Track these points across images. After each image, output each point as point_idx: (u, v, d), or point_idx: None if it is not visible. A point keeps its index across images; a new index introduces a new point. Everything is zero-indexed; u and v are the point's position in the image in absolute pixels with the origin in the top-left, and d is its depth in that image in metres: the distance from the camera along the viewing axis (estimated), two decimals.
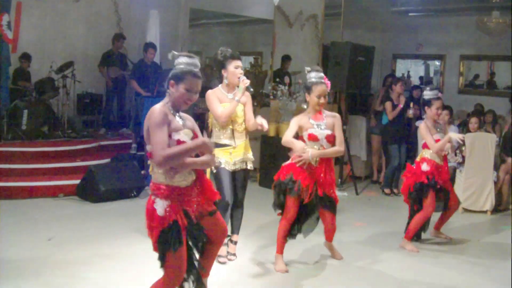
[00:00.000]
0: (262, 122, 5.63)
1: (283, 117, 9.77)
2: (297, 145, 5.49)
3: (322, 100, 5.58)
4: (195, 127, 4.10)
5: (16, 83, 10.13)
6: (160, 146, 3.69)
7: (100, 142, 10.29)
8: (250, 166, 5.90)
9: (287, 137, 5.57)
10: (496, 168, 8.87)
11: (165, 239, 3.77)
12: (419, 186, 6.57)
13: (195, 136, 3.98)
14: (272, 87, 10.12)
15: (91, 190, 8.14)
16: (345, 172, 10.04)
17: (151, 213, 3.82)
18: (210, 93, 5.74)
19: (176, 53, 4.09)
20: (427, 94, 6.83)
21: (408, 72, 15.59)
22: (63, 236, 6.50)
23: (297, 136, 5.68)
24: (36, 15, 11.13)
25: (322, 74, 5.66)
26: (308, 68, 5.72)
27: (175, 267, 3.85)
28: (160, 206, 3.80)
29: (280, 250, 5.75)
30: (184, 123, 3.96)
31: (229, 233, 5.66)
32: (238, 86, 5.69)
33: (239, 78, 5.66)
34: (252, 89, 5.81)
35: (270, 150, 9.89)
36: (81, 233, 6.63)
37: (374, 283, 5.61)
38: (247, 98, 5.79)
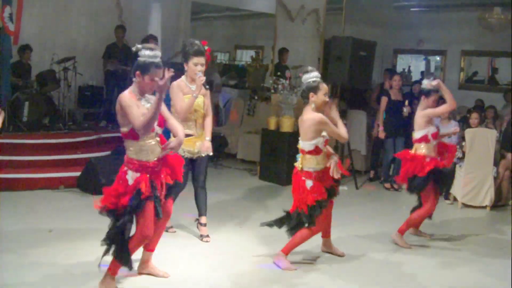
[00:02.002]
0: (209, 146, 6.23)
1: (283, 111, 9.79)
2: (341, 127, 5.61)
3: (327, 99, 5.59)
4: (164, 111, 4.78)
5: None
6: (136, 118, 4.46)
7: (100, 135, 10.28)
8: (210, 153, 6.32)
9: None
10: (496, 163, 8.88)
11: (135, 202, 4.58)
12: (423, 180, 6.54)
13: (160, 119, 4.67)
14: (273, 81, 10.12)
15: (91, 182, 8.14)
16: (345, 167, 10.05)
17: (120, 179, 4.67)
18: (175, 85, 6.09)
19: (139, 46, 4.66)
20: (427, 84, 6.74)
21: (409, 67, 15.58)
22: (63, 228, 6.52)
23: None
24: (37, 7, 11.10)
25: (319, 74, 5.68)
26: (310, 68, 5.71)
27: (145, 225, 4.67)
28: (131, 177, 4.64)
29: (288, 253, 5.74)
30: (149, 106, 4.55)
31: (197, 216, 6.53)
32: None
33: (196, 74, 6.00)
34: (207, 86, 6.12)
35: (270, 144, 9.91)
36: (82, 225, 6.64)
37: (373, 278, 5.64)
38: (206, 91, 6.20)
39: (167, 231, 6.41)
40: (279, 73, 10.14)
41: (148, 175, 4.65)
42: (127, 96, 4.57)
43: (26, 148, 9.00)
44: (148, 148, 4.67)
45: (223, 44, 19.30)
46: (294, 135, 9.61)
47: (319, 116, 5.46)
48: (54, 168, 8.74)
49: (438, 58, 14.81)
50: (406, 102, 9.49)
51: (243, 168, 10.97)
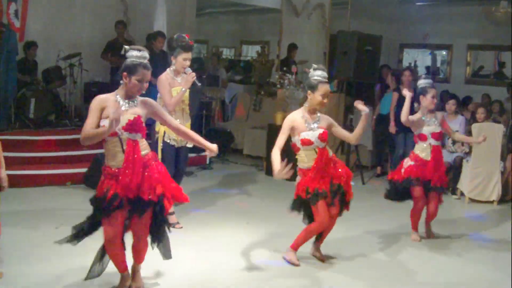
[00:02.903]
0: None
1: (290, 106, 9.76)
2: (275, 167, 5.24)
3: (325, 100, 5.54)
4: (154, 110, 4.65)
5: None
6: (84, 127, 4.36)
7: None
8: (190, 144, 6.46)
9: (274, 150, 5.45)
10: (503, 158, 8.85)
11: (97, 204, 4.59)
12: (397, 184, 6.65)
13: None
14: (279, 76, 10.11)
15: (98, 179, 8.10)
16: (351, 162, 10.03)
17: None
18: (163, 78, 6.27)
19: (127, 47, 4.59)
20: (421, 82, 6.72)
21: (415, 62, 15.52)
22: (70, 224, 6.50)
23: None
24: (43, 4, 11.11)
25: (326, 74, 5.63)
26: (315, 66, 5.69)
27: (106, 230, 4.58)
28: (101, 180, 4.58)
29: (297, 248, 5.73)
30: (130, 108, 4.46)
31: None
32: (184, 73, 6.38)
33: (184, 68, 6.32)
34: (199, 84, 6.32)
35: (276, 139, 9.86)
36: None
37: (378, 273, 5.63)
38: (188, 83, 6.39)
39: (173, 227, 6.46)
40: (285, 68, 10.12)
41: (109, 182, 4.50)
42: (96, 99, 4.47)
43: (32, 145, 9.02)
44: (109, 153, 4.51)
45: (228, 39, 19.29)
46: None
47: (287, 119, 5.62)
48: (60, 164, 8.78)
49: (444, 52, 14.75)
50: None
51: (249, 163, 10.97)
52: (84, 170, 8.46)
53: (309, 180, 5.54)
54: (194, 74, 6.21)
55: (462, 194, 8.91)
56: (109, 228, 4.54)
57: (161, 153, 6.42)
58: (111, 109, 4.36)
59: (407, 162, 6.67)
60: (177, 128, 4.84)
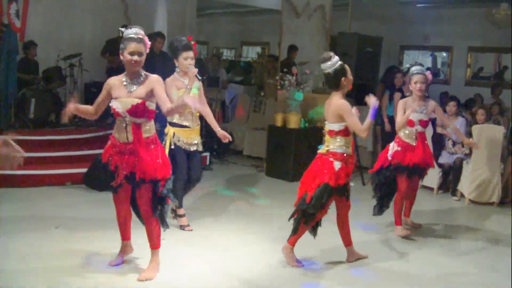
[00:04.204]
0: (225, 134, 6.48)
1: (290, 107, 9.77)
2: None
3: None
4: (152, 87, 4.75)
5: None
6: (96, 102, 4.90)
7: (107, 131, 10.21)
8: (200, 148, 6.55)
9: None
10: (503, 160, 8.85)
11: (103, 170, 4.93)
12: (383, 171, 6.79)
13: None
14: (279, 77, 10.10)
15: (98, 179, 8.14)
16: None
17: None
18: (168, 81, 6.19)
19: (122, 29, 4.88)
20: (411, 69, 6.92)
21: (416, 63, 15.50)
22: (70, 224, 6.53)
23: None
24: (43, 4, 11.12)
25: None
26: (328, 53, 5.65)
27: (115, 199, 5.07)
28: (107, 144, 4.94)
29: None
30: (133, 90, 4.71)
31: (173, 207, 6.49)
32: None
33: (187, 67, 6.13)
34: (200, 77, 6.11)
35: (277, 140, 9.90)
36: (88, 221, 6.66)
37: (378, 274, 5.63)
38: (199, 83, 6.35)
39: (183, 229, 6.55)
40: (285, 69, 10.11)
41: (111, 150, 4.88)
42: (107, 81, 4.88)
43: (32, 145, 8.99)
44: (117, 127, 4.83)
45: (229, 40, 19.30)
46: (301, 132, 9.66)
47: (347, 104, 5.49)
48: (60, 164, 8.76)
49: (444, 54, 14.76)
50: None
51: (249, 164, 10.97)
52: (84, 170, 8.43)
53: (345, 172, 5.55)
54: (195, 69, 6.07)
55: (462, 195, 8.91)
56: (116, 193, 5.03)
57: (169, 155, 6.17)
58: (117, 90, 4.72)
59: (393, 147, 6.76)
60: (168, 111, 4.82)
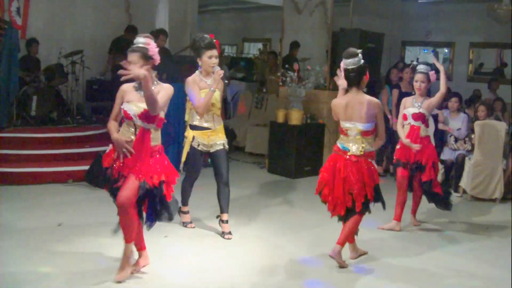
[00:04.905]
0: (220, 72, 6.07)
1: (292, 104, 9.76)
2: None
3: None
4: (158, 90, 4.69)
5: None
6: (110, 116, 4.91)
7: None
8: (226, 146, 6.27)
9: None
10: (506, 156, 8.83)
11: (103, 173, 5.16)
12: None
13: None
14: (281, 73, 10.09)
15: (99, 177, 8.13)
16: None
17: None
18: (190, 80, 6.04)
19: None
20: (418, 67, 6.98)
21: (417, 59, 15.48)
22: (72, 222, 6.53)
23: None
24: (44, 1, 11.13)
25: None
26: (353, 49, 5.52)
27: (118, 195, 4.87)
28: (110, 148, 5.00)
29: (344, 244, 5.66)
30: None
31: (218, 213, 6.37)
32: (213, 73, 6.04)
33: (212, 67, 6.00)
34: (227, 81, 6.09)
35: (278, 136, 9.89)
36: (91, 218, 6.66)
37: (379, 269, 5.62)
38: (221, 84, 6.17)
39: (186, 226, 6.54)
40: (287, 66, 10.10)
41: (115, 153, 4.89)
42: (120, 87, 4.87)
43: (34, 142, 9.02)
44: (124, 129, 4.83)
45: (230, 37, 19.27)
46: (303, 128, 9.65)
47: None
48: (62, 162, 8.76)
49: (446, 50, 14.74)
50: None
51: (251, 161, 10.96)
52: (85, 167, 8.39)
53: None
54: (221, 71, 5.98)
55: (464, 191, 8.90)
56: (119, 194, 4.83)
57: (185, 156, 6.18)
58: (129, 94, 4.78)
59: (398, 145, 6.98)
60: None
